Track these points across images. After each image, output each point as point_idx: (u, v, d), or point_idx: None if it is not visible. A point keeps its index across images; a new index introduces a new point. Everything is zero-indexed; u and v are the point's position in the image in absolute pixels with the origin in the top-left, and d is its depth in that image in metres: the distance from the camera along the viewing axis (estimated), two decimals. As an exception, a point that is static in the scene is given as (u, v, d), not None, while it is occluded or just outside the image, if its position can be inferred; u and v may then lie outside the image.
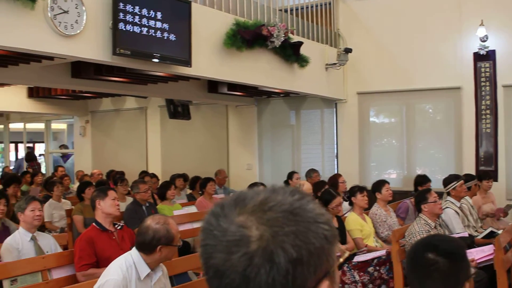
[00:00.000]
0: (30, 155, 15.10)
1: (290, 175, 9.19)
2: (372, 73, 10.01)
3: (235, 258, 0.92)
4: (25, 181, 10.48)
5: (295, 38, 8.09)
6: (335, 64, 9.31)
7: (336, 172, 9.90)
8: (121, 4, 5.39)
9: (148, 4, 5.70)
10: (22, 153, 16.76)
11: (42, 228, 6.78)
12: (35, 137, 18.31)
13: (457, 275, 2.14)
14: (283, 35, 7.46)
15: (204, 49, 6.64)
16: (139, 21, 5.60)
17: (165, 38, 5.96)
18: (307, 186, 6.81)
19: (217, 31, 6.85)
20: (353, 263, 5.45)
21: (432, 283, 2.15)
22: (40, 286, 4.37)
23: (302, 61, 8.23)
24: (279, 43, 7.44)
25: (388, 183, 6.95)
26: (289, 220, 0.94)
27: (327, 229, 0.97)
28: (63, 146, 16.60)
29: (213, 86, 9.73)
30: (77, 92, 10.98)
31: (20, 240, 4.88)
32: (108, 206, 4.74)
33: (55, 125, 17.24)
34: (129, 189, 8.31)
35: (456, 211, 6.41)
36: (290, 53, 7.92)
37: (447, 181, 6.80)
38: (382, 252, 5.60)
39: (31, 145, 18.07)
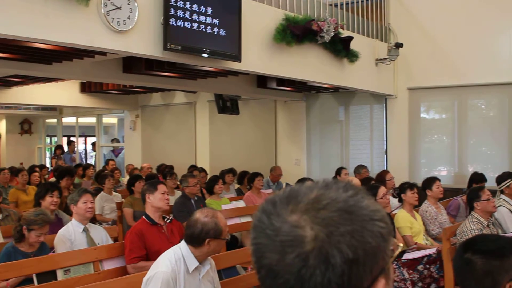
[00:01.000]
0: (59, 148, 15.54)
1: (339, 171, 9.12)
2: (423, 68, 9.83)
3: (289, 259, 0.90)
4: (77, 174, 10.72)
5: (345, 33, 8.01)
6: (385, 59, 9.19)
7: (385, 168, 9.79)
8: (172, 0, 5.45)
9: (199, 0, 5.73)
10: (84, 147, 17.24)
11: (93, 220, 6.92)
12: (87, 131, 18.70)
13: (494, 275, 2.02)
14: (333, 30, 7.39)
15: (253, 44, 6.64)
16: (189, 16, 5.64)
17: (215, 33, 5.98)
18: (355, 182, 6.75)
19: (267, 26, 6.84)
20: (402, 260, 5.38)
21: (468, 283, 2.08)
22: (92, 277, 4.47)
23: (352, 56, 8.15)
24: (329, 38, 7.38)
25: (439, 180, 6.84)
26: (344, 219, 0.92)
27: (383, 227, 0.95)
28: (115, 140, 16.90)
29: (262, 81, 9.73)
30: (128, 87, 11.16)
31: (72, 232, 5.00)
32: (158, 200, 4.80)
33: (106, 119, 17.57)
34: (178, 183, 8.41)
35: (510, 210, 6.25)
36: (340, 48, 7.84)
37: (500, 179, 6.65)
38: (432, 250, 5.51)
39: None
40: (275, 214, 0.95)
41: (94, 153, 16.21)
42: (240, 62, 6.32)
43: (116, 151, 16.08)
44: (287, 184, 10.05)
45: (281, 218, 0.94)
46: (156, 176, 8.88)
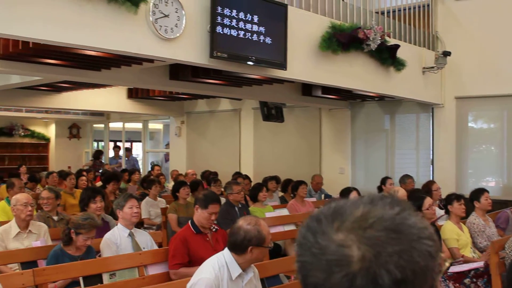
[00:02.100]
0: (98, 153, 15.77)
1: (384, 180, 9.02)
2: (471, 77, 9.65)
3: (336, 278, 0.89)
4: (123, 179, 10.88)
5: (391, 41, 7.93)
6: (432, 67, 9.06)
7: (431, 178, 9.63)
8: (219, 8, 5.48)
9: (245, 8, 5.77)
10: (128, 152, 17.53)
11: (139, 224, 7.01)
12: (133, 136, 18.97)
13: None
14: (380, 38, 7.33)
15: (299, 52, 6.64)
16: (236, 24, 5.67)
17: (261, 41, 6.00)
18: (401, 193, 6.66)
19: (313, 34, 6.83)
20: (448, 273, 5.28)
21: None
22: (137, 281, 4.53)
23: (398, 64, 8.07)
24: (375, 46, 7.33)
25: (488, 191, 6.69)
26: (392, 239, 0.90)
27: (431, 245, 0.93)
28: (168, 146, 17.10)
29: (307, 89, 9.72)
30: (173, 93, 11.29)
31: (118, 236, 5.07)
32: (204, 218, 4.79)
33: (152, 125, 17.80)
34: (222, 189, 8.44)
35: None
36: (387, 56, 7.77)
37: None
38: (479, 264, 5.38)
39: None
40: (320, 232, 0.95)
41: (118, 160, 16.34)
42: (285, 70, 6.32)
43: (167, 157, 16.26)
44: (325, 195, 10.00)
45: (327, 236, 0.93)
46: (201, 183, 8.94)
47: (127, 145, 17.68)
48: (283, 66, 6.29)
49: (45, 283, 4.29)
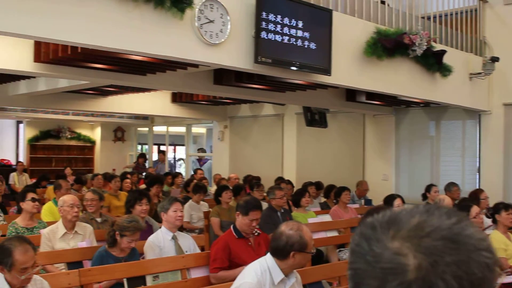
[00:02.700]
0: (142, 157, 15.97)
1: (428, 188, 8.88)
2: (520, 83, 9.44)
3: (390, 287, 0.88)
4: (166, 182, 10.99)
5: (438, 47, 7.82)
6: (480, 73, 8.89)
7: (477, 187, 9.44)
8: (264, 13, 5.50)
9: (290, 13, 5.77)
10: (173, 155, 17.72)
11: (181, 228, 7.06)
12: (176, 140, 19.17)
13: None
14: (426, 44, 7.24)
15: (343, 58, 6.61)
16: (280, 30, 5.68)
17: (306, 46, 5.99)
18: (447, 201, 6.55)
19: (358, 39, 6.79)
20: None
21: None
22: (179, 284, 4.56)
23: (444, 70, 7.95)
24: (421, 51, 7.23)
25: (537, 201, 6.53)
26: (450, 249, 0.89)
27: (489, 257, 0.91)
28: (201, 150, 17.23)
29: (351, 94, 9.67)
30: (217, 98, 11.37)
31: (162, 239, 5.12)
32: (245, 225, 4.81)
33: (195, 129, 17.95)
34: (265, 194, 8.45)
35: None
36: (433, 62, 7.66)
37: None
38: (528, 275, 5.25)
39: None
40: (374, 240, 0.93)
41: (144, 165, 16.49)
42: (330, 75, 6.29)
43: (202, 161, 16.37)
44: (366, 202, 9.89)
45: (382, 244, 0.92)
46: (243, 187, 8.97)
47: (163, 149, 17.85)
48: (327, 71, 6.26)
49: (90, 283, 4.37)
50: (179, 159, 18.89)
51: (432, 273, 0.87)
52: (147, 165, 16.62)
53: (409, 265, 0.88)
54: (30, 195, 5.92)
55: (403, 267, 0.88)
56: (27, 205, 5.85)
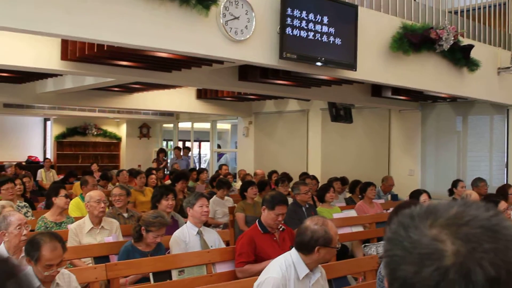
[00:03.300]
0: (162, 152, 16.06)
1: (455, 183, 8.80)
2: (550, 77, 9.29)
3: (427, 272, 0.89)
4: (191, 178, 11.04)
5: (465, 41, 7.73)
6: (508, 68, 8.76)
7: (505, 182, 9.33)
8: (289, 9, 5.49)
9: (315, 9, 5.75)
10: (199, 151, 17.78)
11: (205, 223, 7.10)
12: (202, 136, 19.25)
13: None
14: (453, 38, 7.16)
15: (369, 53, 6.57)
16: (306, 25, 5.66)
17: (331, 42, 5.97)
18: (474, 196, 6.48)
19: (383, 34, 6.75)
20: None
21: None
22: (205, 279, 4.59)
23: (472, 65, 7.85)
24: (448, 46, 7.16)
25: None
26: (488, 237, 0.90)
27: None
28: (217, 146, 17.29)
29: (376, 90, 9.62)
30: (242, 94, 11.38)
31: (187, 234, 5.16)
32: (270, 219, 4.81)
33: (220, 125, 18.00)
34: (290, 190, 8.45)
35: None
36: (460, 56, 7.58)
37: None
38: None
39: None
40: (413, 227, 0.95)
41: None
42: (355, 70, 6.26)
43: (218, 155, 16.42)
44: (393, 196, 9.83)
45: (420, 231, 0.93)
46: (268, 183, 8.98)
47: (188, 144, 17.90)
48: (353, 67, 6.23)
49: (116, 277, 4.42)
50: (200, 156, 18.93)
51: (470, 259, 0.88)
52: (169, 161, 16.70)
53: (447, 251, 0.89)
54: (63, 191, 6.03)
55: (440, 252, 0.89)
56: (59, 200, 5.95)
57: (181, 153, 15.46)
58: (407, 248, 0.93)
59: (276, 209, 4.76)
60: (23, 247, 3.98)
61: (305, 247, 3.42)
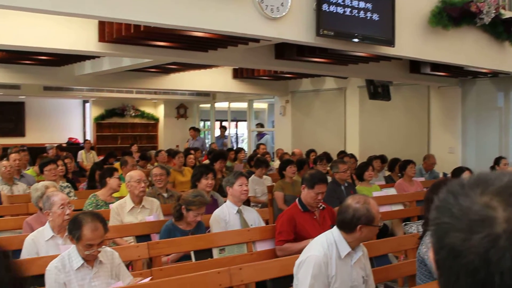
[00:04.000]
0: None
1: (497, 160, 8.64)
2: None
3: (476, 239, 0.87)
4: (229, 157, 11.08)
5: (506, 14, 7.53)
6: (552, 41, 8.51)
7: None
8: (325, -15, 5.42)
9: (352, -16, 5.67)
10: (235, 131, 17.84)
11: (245, 202, 7.11)
12: (238, 116, 19.27)
13: None
14: (494, 11, 6.98)
15: (407, 28, 6.46)
16: (342, 1, 5.59)
17: (368, 18, 5.88)
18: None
19: (422, 9, 6.62)
20: None
21: None
22: (245, 257, 4.62)
23: (514, 38, 7.66)
24: (489, 19, 6.98)
25: None
26: None
27: None
28: (259, 125, 17.24)
29: (415, 66, 9.47)
30: (278, 72, 11.34)
31: (227, 212, 5.19)
32: (310, 198, 4.79)
33: (256, 105, 17.98)
34: (328, 168, 8.42)
35: None
36: (501, 30, 7.39)
37: None
38: None
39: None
40: (463, 195, 0.92)
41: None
42: (393, 46, 6.17)
43: (259, 135, 16.40)
44: (444, 174, 9.69)
45: (470, 199, 0.91)
46: (306, 162, 8.95)
47: (225, 124, 17.92)
48: (390, 42, 6.14)
49: (158, 256, 4.49)
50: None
51: None
52: (208, 141, 16.77)
53: (498, 218, 0.87)
54: (117, 173, 6.14)
55: (491, 219, 0.87)
56: (113, 181, 6.06)
57: (197, 134, 15.61)
58: (456, 215, 0.91)
59: (316, 188, 4.74)
60: (67, 226, 4.08)
61: (347, 225, 3.40)
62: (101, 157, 13.74)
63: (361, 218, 3.36)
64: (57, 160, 7.80)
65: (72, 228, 3.50)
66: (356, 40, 5.88)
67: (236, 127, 20.23)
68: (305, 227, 4.72)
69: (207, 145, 16.02)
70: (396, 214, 6.91)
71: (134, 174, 5.74)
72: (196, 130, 15.88)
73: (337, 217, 3.50)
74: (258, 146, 12.77)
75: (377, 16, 5.95)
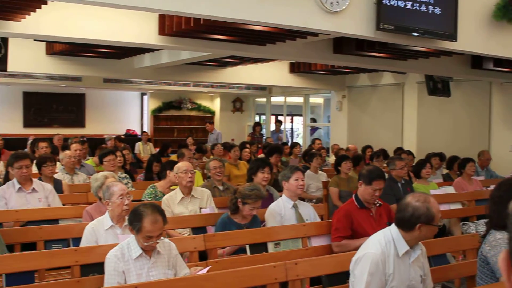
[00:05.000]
0: (258, 125, 16.11)
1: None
2: None
3: None
4: (284, 152, 11.05)
5: None
6: None
7: None
8: (386, -22, 5.34)
9: (414, -23, 5.56)
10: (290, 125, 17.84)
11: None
12: (294, 110, 19.24)
13: None
14: (563, 5, 6.72)
15: (470, 22, 6.29)
16: (403, -5, 5.50)
17: (430, 11, 5.76)
18: None
19: (486, 2, 6.43)
20: None
21: None
22: (300, 252, 4.61)
23: None
24: (557, 13, 6.73)
25: None
26: None
27: None
28: (312, 120, 17.17)
29: (477, 61, 9.23)
30: (335, 67, 11.25)
31: (283, 207, 5.17)
32: (367, 194, 4.73)
33: (312, 99, 17.90)
34: (385, 165, 8.30)
35: None
36: None
37: None
38: None
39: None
40: None
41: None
42: (455, 41, 6.02)
43: (312, 130, 16.33)
44: (492, 175, 9.42)
45: None
46: (362, 158, 8.85)
47: (280, 118, 17.86)
48: (453, 37, 6.00)
49: (214, 248, 4.51)
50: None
51: None
52: (264, 134, 16.82)
53: None
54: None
55: None
56: (174, 175, 6.13)
57: (213, 127, 15.73)
58: None
59: (374, 184, 4.67)
60: (126, 216, 4.15)
61: (406, 224, 3.33)
62: (158, 149, 13.94)
63: (421, 217, 3.28)
64: (116, 151, 7.95)
65: (133, 220, 3.56)
66: (416, 34, 5.76)
67: (292, 121, 20.19)
68: (361, 224, 4.66)
69: (263, 139, 16.06)
70: (455, 213, 6.76)
71: (181, 165, 5.81)
72: (210, 123, 16.01)
73: (396, 215, 3.43)
74: (313, 141, 12.71)
75: (439, 9, 5.82)
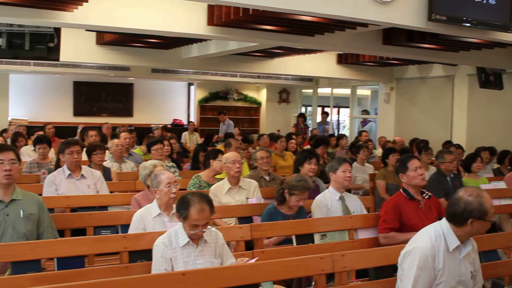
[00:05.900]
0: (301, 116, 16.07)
1: None
2: None
3: None
4: (330, 144, 10.98)
5: None
6: None
7: None
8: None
9: (469, -34, 5.43)
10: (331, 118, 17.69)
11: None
12: (341, 102, 19.09)
13: None
14: None
15: (527, 13, 6.11)
16: (457, -16, 5.38)
17: (484, 1, 5.62)
18: None
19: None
20: None
21: None
22: (347, 244, 4.59)
23: None
24: None
25: None
26: None
27: None
28: (364, 112, 16.98)
29: (532, 53, 9.00)
30: (384, 58, 11.10)
31: (329, 198, 5.15)
32: (412, 178, 4.69)
33: (359, 91, 17.72)
34: (433, 158, 8.17)
35: None
36: None
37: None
38: None
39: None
40: None
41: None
42: (510, 32, 5.87)
43: (364, 123, 16.16)
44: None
45: None
46: (410, 150, 8.73)
47: (327, 110, 17.73)
48: (507, 28, 5.85)
49: (260, 238, 4.52)
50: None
51: None
52: (310, 126, 16.74)
53: None
54: (221, 156, 6.23)
55: None
56: (217, 164, 6.18)
57: (226, 117, 15.69)
58: None
59: (409, 165, 4.77)
60: (173, 205, 4.19)
61: (458, 218, 3.27)
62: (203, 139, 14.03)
63: (473, 212, 3.21)
64: (163, 140, 8.04)
65: (180, 207, 3.60)
66: (469, 25, 5.63)
67: (338, 113, 20.04)
68: (409, 216, 4.60)
69: (309, 131, 16.01)
70: (506, 209, 6.60)
71: (229, 155, 5.83)
72: (222, 113, 15.98)
73: (447, 209, 3.36)
74: (360, 133, 12.59)
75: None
